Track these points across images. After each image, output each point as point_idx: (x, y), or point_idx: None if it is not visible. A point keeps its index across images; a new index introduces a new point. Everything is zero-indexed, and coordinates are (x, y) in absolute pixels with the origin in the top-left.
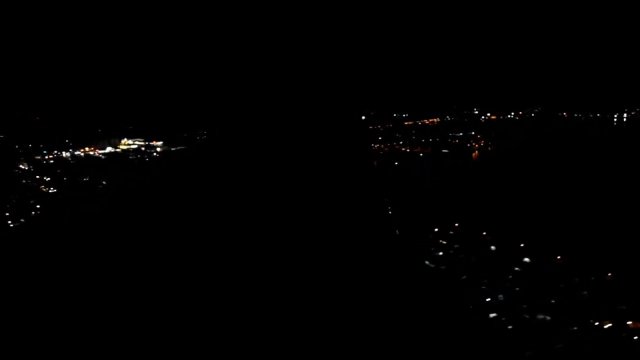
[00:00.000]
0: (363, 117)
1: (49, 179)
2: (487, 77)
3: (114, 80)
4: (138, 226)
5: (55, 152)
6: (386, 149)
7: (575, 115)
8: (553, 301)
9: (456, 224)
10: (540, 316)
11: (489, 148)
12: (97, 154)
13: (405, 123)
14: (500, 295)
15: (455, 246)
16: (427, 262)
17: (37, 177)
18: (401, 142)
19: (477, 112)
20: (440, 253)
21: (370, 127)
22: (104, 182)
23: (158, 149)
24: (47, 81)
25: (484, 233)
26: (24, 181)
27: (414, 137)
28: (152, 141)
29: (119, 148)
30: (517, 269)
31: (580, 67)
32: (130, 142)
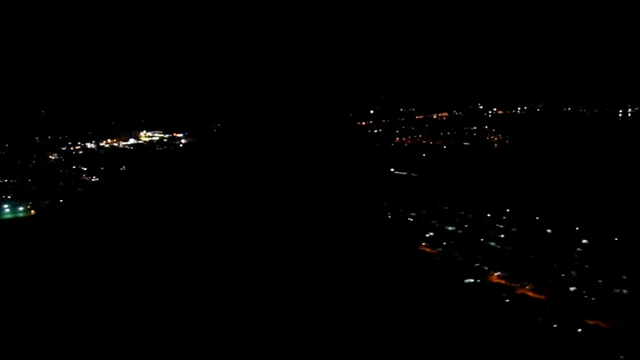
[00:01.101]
0: (372, 112)
1: (85, 168)
2: (489, 73)
3: (129, 76)
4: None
5: (79, 143)
6: (409, 141)
7: (580, 110)
8: (624, 277)
9: (507, 210)
10: (617, 290)
11: (507, 141)
12: (121, 145)
13: (417, 117)
14: (573, 272)
15: (513, 230)
16: (492, 244)
17: (73, 166)
18: (420, 136)
19: (481, 107)
20: (502, 235)
21: (383, 121)
22: (142, 170)
23: (183, 140)
24: (65, 77)
25: (537, 217)
26: (61, 170)
27: (431, 131)
28: (172, 133)
29: (141, 140)
30: (579, 249)
31: (582, 63)
32: (149, 134)
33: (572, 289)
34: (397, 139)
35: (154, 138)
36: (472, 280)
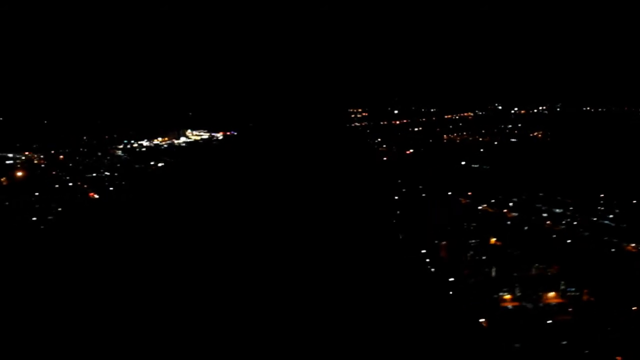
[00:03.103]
0: (396, 112)
1: (152, 162)
2: (501, 74)
3: (172, 79)
4: None
5: (132, 141)
6: (459, 138)
7: (600, 110)
8: None
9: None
10: None
11: (548, 138)
12: (176, 143)
13: (446, 117)
14: None
15: (617, 211)
16: (606, 222)
17: (137, 159)
18: (464, 133)
19: (500, 107)
20: (611, 216)
21: (420, 120)
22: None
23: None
24: (111, 84)
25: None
26: (137, 166)
27: (470, 129)
28: (216, 132)
29: (191, 138)
30: None
31: (592, 64)
32: (196, 132)
33: None
34: (445, 136)
35: (203, 136)
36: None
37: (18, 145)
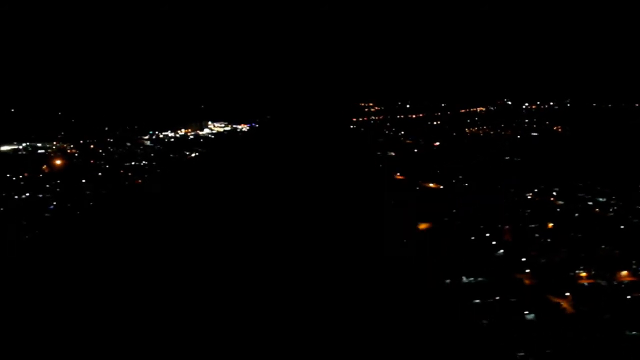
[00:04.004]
0: (408, 106)
1: (186, 152)
2: (509, 71)
3: (190, 75)
4: None
5: (156, 132)
6: (481, 132)
7: (609, 105)
8: None
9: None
10: None
11: (568, 132)
12: (200, 134)
13: (461, 111)
14: None
15: None
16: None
17: (170, 149)
18: (485, 127)
19: (510, 103)
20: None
21: (433, 114)
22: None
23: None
24: (134, 80)
25: None
26: (171, 155)
27: (489, 123)
28: (237, 123)
29: (214, 129)
30: None
31: (600, 61)
32: (217, 124)
33: None
34: (467, 129)
35: (226, 128)
36: None
37: (44, 135)
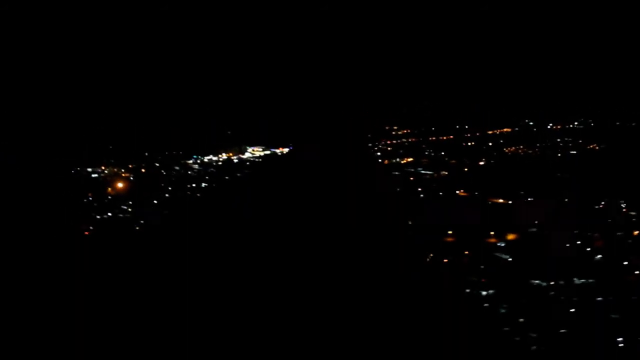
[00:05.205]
0: (433, 129)
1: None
2: (529, 92)
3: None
4: None
5: (198, 156)
6: (520, 151)
7: (634, 124)
8: None
9: None
10: None
11: (606, 150)
12: (242, 158)
13: (489, 132)
14: None
15: None
16: None
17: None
18: (521, 146)
19: (531, 124)
20: None
21: (464, 135)
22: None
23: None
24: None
25: None
26: (227, 178)
27: (522, 143)
28: (274, 148)
29: (255, 153)
30: None
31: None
32: (256, 148)
33: None
34: (505, 149)
35: (266, 152)
36: None
37: (90, 161)
